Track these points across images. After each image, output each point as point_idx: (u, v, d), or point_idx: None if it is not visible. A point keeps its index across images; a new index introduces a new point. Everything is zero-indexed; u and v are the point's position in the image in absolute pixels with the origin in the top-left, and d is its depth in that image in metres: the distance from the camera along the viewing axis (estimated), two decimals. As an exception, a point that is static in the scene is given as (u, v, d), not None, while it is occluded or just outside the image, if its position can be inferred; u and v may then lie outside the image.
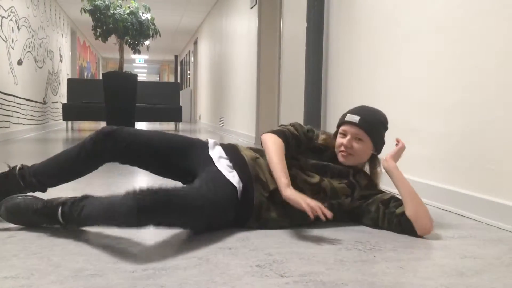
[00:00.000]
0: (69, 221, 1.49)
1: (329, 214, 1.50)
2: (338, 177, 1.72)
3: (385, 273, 1.23)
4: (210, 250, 1.39)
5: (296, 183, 1.63)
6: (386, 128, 1.78)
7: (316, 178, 1.69)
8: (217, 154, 1.70)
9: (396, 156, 1.70)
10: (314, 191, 1.66)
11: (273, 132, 1.70)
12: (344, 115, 1.76)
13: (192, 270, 1.22)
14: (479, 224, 1.85)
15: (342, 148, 1.72)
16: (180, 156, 1.71)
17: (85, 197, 1.49)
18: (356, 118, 1.70)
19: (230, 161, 1.68)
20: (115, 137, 1.65)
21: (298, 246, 1.45)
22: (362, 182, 1.74)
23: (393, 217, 1.62)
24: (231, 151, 1.74)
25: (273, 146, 1.64)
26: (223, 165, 1.65)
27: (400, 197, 1.66)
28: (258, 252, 1.39)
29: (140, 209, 1.31)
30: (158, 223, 1.41)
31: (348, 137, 1.71)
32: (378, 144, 1.76)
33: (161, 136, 1.74)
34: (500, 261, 1.37)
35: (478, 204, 1.91)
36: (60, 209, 1.49)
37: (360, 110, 1.75)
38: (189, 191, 1.45)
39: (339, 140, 1.74)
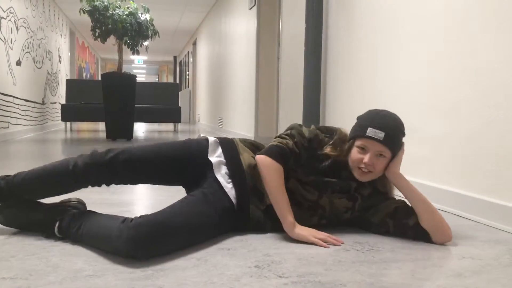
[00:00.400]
0: (66, 236, 1.47)
1: (340, 241, 1.50)
2: (339, 192, 1.60)
3: (383, 274, 1.24)
4: (209, 251, 1.39)
5: (294, 197, 1.57)
6: (404, 134, 1.59)
7: (314, 195, 1.59)
8: (217, 158, 1.62)
9: (398, 162, 1.57)
10: (312, 208, 1.60)
11: (270, 154, 1.54)
12: (362, 127, 1.54)
13: (191, 270, 1.22)
14: (478, 225, 1.85)
15: (362, 166, 1.53)
16: (180, 171, 1.63)
17: (83, 213, 1.49)
18: (380, 135, 1.50)
19: (228, 169, 1.60)
20: (109, 169, 1.53)
21: (296, 247, 1.45)
22: (365, 192, 1.62)
23: (407, 229, 1.56)
24: (230, 153, 1.64)
25: (271, 176, 1.52)
26: (222, 173, 1.59)
27: (402, 199, 1.61)
28: (257, 252, 1.39)
29: (136, 242, 1.27)
30: (157, 253, 1.33)
31: (370, 154, 1.52)
32: (397, 152, 1.57)
33: (158, 155, 1.60)
34: (498, 262, 1.37)
35: (476, 205, 1.91)
36: (57, 224, 1.47)
37: (381, 124, 1.53)
38: (189, 211, 1.44)
39: (358, 155, 1.54)
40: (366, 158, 1.52)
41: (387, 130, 1.52)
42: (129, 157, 1.55)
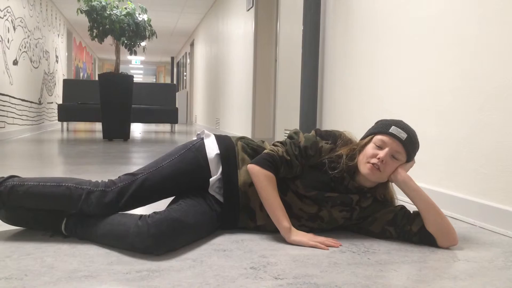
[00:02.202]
0: (72, 234, 1.50)
1: (338, 243, 1.50)
2: (339, 206, 1.58)
3: (379, 276, 1.24)
4: (205, 252, 1.39)
5: (292, 211, 1.57)
6: (418, 149, 1.60)
7: (313, 208, 1.57)
8: (215, 178, 1.59)
9: (407, 168, 1.56)
10: (311, 219, 1.59)
11: (258, 163, 1.53)
12: (386, 125, 1.54)
13: (186, 272, 1.22)
14: (473, 227, 1.86)
15: (375, 161, 1.49)
16: (180, 191, 1.62)
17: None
18: (403, 135, 1.50)
19: (223, 185, 1.58)
20: (117, 208, 1.51)
21: (292, 249, 1.45)
22: (365, 204, 1.59)
23: (412, 236, 1.54)
24: (228, 169, 1.59)
25: (262, 183, 1.51)
26: (214, 188, 1.59)
27: (400, 204, 1.61)
28: (253, 254, 1.39)
29: (157, 238, 1.34)
30: (174, 248, 1.39)
31: (386, 150, 1.50)
32: (409, 161, 1.57)
33: (164, 187, 1.56)
34: (493, 264, 1.38)
35: (471, 208, 1.91)
36: (64, 222, 1.50)
37: (405, 127, 1.54)
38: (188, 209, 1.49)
39: (373, 151, 1.51)
40: (381, 153, 1.49)
41: (410, 134, 1.53)
42: (139, 200, 1.54)
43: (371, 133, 1.57)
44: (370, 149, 1.52)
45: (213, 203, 1.57)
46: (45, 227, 1.53)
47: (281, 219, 1.50)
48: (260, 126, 5.82)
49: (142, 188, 1.52)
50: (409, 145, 1.52)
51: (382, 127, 1.55)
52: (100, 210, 1.48)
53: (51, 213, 1.53)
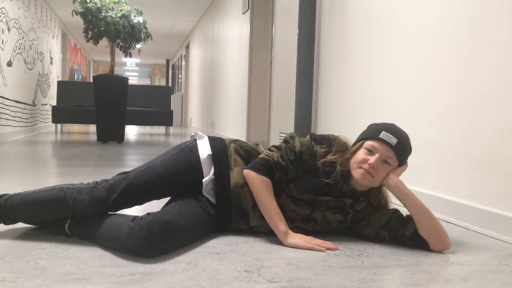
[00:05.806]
0: (75, 234, 1.52)
1: (336, 247, 1.50)
2: (332, 208, 1.58)
3: (373, 279, 1.24)
4: (199, 255, 1.39)
5: (285, 213, 1.56)
6: (411, 152, 1.60)
7: (307, 210, 1.58)
8: (208, 178, 1.58)
9: (399, 173, 1.56)
10: (304, 220, 1.59)
11: (254, 168, 1.54)
12: (376, 130, 1.54)
13: (180, 274, 1.21)
14: (466, 231, 1.86)
15: (366, 166, 1.50)
16: (172, 193, 1.62)
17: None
18: (393, 140, 1.50)
19: (215, 186, 1.58)
20: (110, 209, 1.52)
21: (286, 252, 1.45)
22: (358, 207, 1.60)
23: (405, 240, 1.54)
24: (220, 170, 1.59)
25: (258, 188, 1.52)
26: (207, 190, 1.58)
27: (394, 208, 1.62)
28: (247, 257, 1.39)
29: (148, 240, 1.33)
30: (165, 251, 1.38)
31: (377, 156, 1.50)
32: (401, 165, 1.57)
33: (156, 187, 1.56)
34: (486, 268, 1.38)
35: (465, 211, 1.92)
36: (68, 221, 1.52)
37: (396, 131, 1.53)
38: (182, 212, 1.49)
39: (364, 156, 1.51)
40: (372, 159, 1.49)
41: (401, 138, 1.52)
42: (130, 198, 1.53)
43: (362, 138, 1.58)
44: (361, 154, 1.53)
45: (206, 206, 1.57)
46: (51, 226, 1.57)
47: (278, 223, 1.51)
48: (255, 129, 5.82)
49: (132, 185, 1.52)
50: (399, 150, 1.52)
51: (372, 132, 1.55)
52: (92, 207, 1.48)
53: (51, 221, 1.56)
